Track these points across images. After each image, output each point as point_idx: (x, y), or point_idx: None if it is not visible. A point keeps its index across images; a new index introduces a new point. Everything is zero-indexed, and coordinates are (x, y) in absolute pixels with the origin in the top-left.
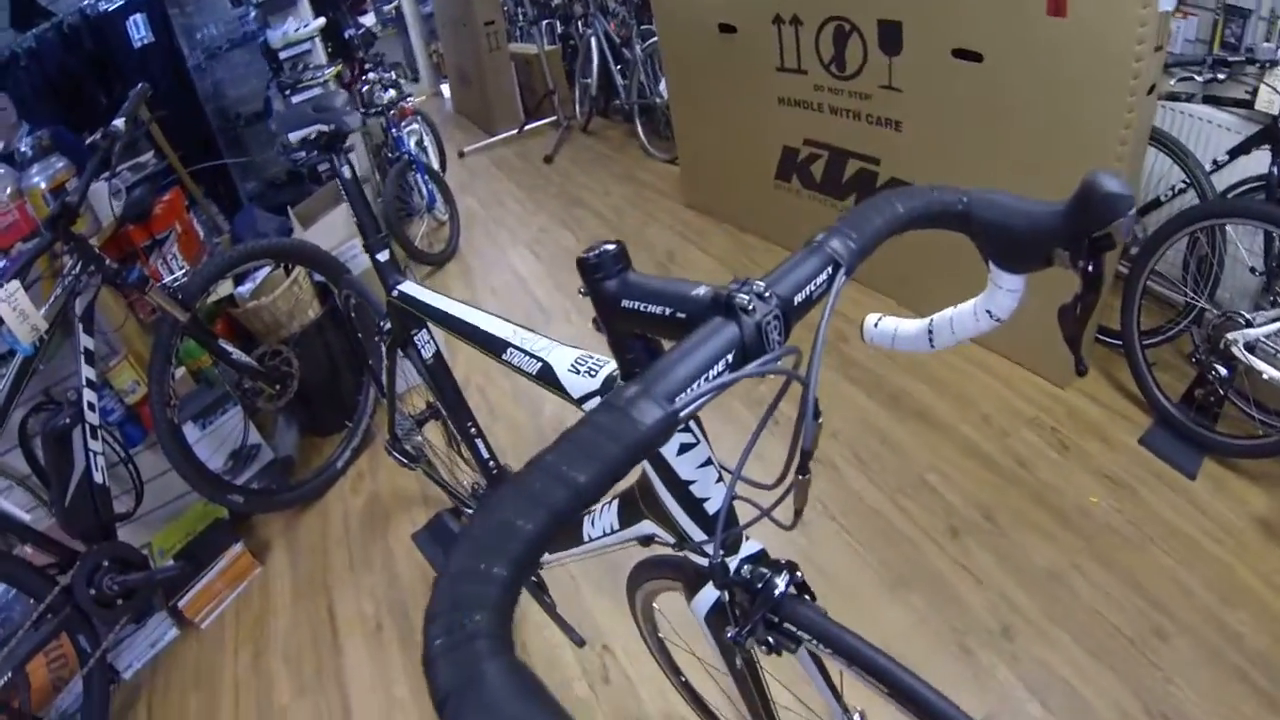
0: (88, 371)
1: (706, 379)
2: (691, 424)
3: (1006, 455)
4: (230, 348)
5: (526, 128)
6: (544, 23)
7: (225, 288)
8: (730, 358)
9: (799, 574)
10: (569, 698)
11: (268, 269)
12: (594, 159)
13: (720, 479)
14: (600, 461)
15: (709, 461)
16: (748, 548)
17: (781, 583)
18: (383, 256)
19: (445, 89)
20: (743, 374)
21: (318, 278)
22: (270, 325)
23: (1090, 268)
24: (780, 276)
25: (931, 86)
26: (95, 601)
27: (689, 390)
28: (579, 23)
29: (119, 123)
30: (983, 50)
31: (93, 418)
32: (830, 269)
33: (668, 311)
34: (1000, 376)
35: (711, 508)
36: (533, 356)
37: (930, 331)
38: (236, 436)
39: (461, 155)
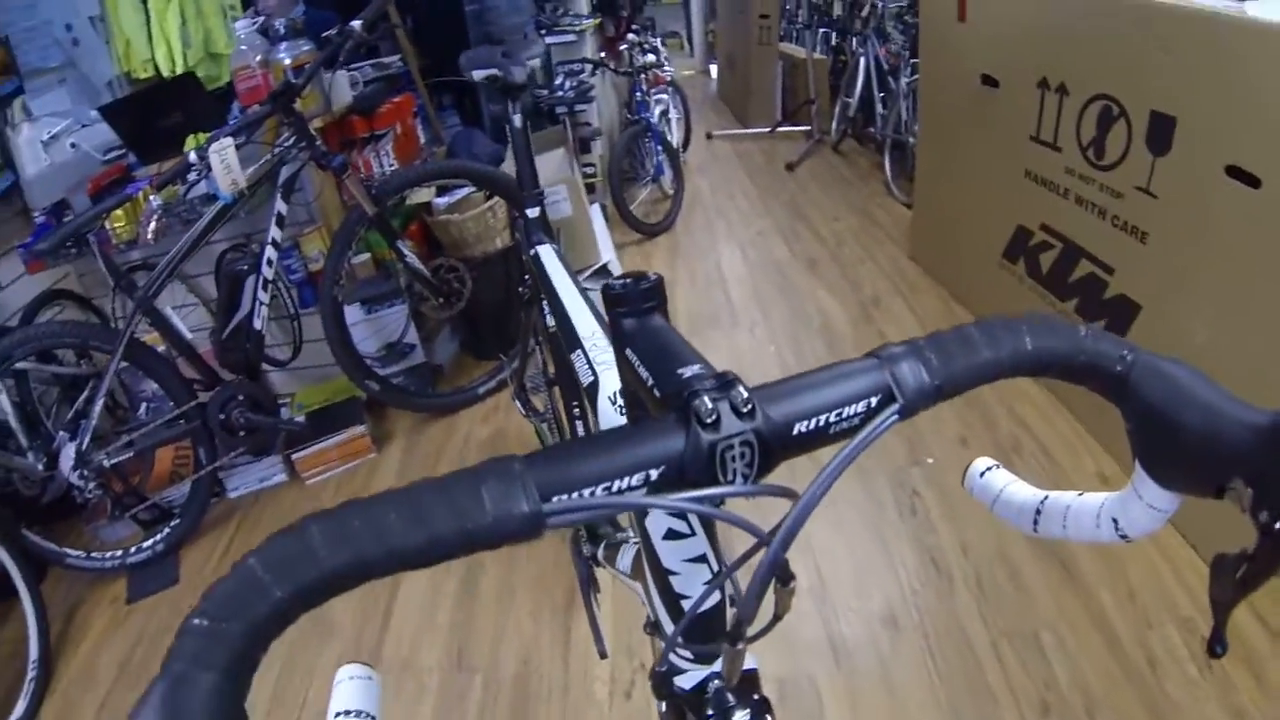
0: (275, 233)
1: (611, 490)
2: (691, 520)
3: (1138, 647)
4: (408, 251)
5: (779, 129)
6: (820, 30)
7: (427, 195)
8: (655, 475)
9: None
10: (581, 695)
11: (469, 189)
12: (834, 180)
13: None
14: (428, 534)
15: (703, 558)
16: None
17: None
18: (532, 213)
19: (714, 70)
20: (660, 503)
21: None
22: (457, 241)
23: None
24: (791, 390)
25: (1192, 202)
26: (221, 425)
27: (581, 494)
28: (854, 39)
29: (356, 24)
30: (1262, 175)
31: (267, 272)
32: (877, 400)
33: (650, 381)
34: (1167, 554)
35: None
36: (590, 367)
37: (1038, 512)
38: (396, 331)
39: (709, 137)
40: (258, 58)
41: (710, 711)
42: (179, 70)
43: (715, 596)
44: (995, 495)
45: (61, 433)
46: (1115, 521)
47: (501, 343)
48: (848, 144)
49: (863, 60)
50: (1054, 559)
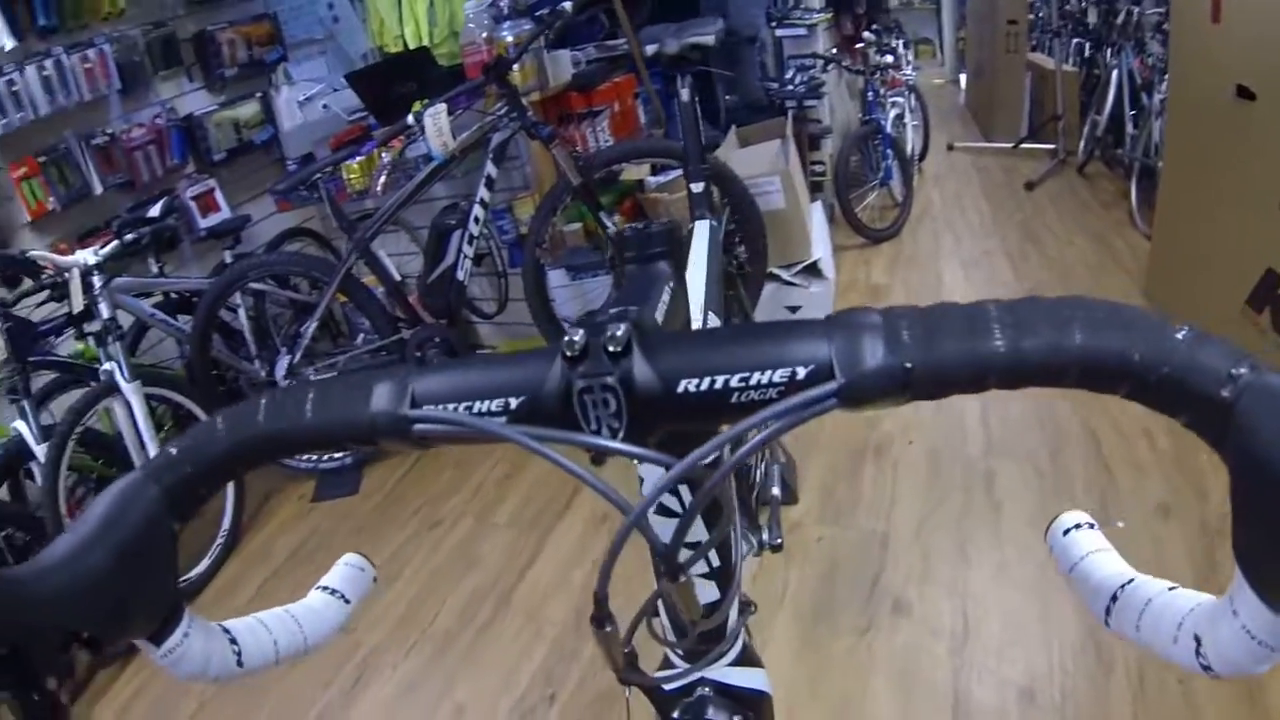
0: (483, 193)
1: (472, 410)
2: (683, 490)
3: None
4: (611, 224)
5: (1022, 145)
6: (1072, 40)
7: (640, 172)
8: (514, 404)
9: None
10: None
11: (680, 171)
12: (1075, 205)
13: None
14: (325, 416)
15: (695, 545)
16: (722, 673)
17: None
18: (696, 187)
19: (964, 79)
20: (508, 434)
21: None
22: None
23: None
24: (693, 341)
25: None
26: (416, 361)
27: (448, 409)
28: (1108, 50)
29: (566, 4)
30: None
31: (474, 228)
32: (806, 373)
33: None
34: None
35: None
36: None
37: (1114, 599)
38: (598, 300)
39: (950, 148)
40: (484, 35)
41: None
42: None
43: (714, 594)
44: (1075, 562)
45: (282, 347)
46: (1197, 641)
47: None
48: (1094, 166)
49: (1115, 73)
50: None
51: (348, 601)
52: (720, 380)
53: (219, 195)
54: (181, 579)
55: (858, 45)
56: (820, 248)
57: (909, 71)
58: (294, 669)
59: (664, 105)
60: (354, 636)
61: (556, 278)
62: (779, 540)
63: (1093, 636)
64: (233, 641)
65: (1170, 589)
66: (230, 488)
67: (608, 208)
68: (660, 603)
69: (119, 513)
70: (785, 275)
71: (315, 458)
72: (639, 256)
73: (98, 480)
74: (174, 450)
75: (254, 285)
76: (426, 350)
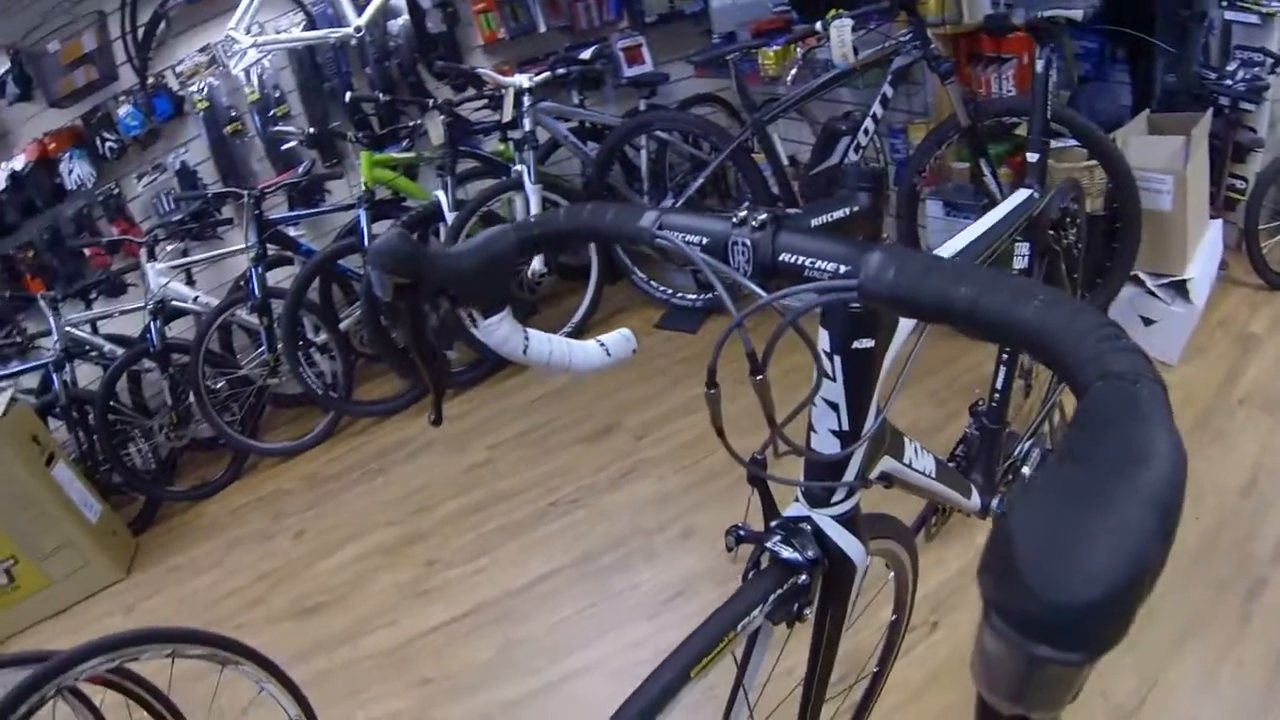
0: (876, 109)
1: (689, 240)
2: (838, 360)
3: None
4: (988, 172)
5: None
6: None
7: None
8: (705, 241)
9: (814, 578)
10: None
11: (1075, 142)
12: None
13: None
14: (615, 222)
15: (833, 406)
16: (827, 524)
17: (791, 575)
18: (1031, 157)
19: None
20: (686, 251)
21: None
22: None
23: None
24: (802, 232)
25: None
26: None
27: (676, 235)
28: None
29: None
30: None
31: (861, 138)
32: (845, 270)
33: None
34: None
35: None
36: None
37: None
38: None
39: None
40: None
41: (797, 546)
42: None
43: (835, 445)
44: None
45: (670, 191)
46: None
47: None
48: None
49: None
50: None
51: (609, 355)
52: (802, 260)
53: (645, 51)
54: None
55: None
56: (1198, 269)
57: None
58: (573, 450)
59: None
60: (640, 442)
61: (933, 209)
62: (1002, 511)
63: None
64: (526, 338)
65: None
66: (590, 293)
67: (996, 158)
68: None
69: (491, 241)
70: (1150, 284)
71: (670, 291)
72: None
73: None
74: (532, 219)
75: (659, 134)
76: None
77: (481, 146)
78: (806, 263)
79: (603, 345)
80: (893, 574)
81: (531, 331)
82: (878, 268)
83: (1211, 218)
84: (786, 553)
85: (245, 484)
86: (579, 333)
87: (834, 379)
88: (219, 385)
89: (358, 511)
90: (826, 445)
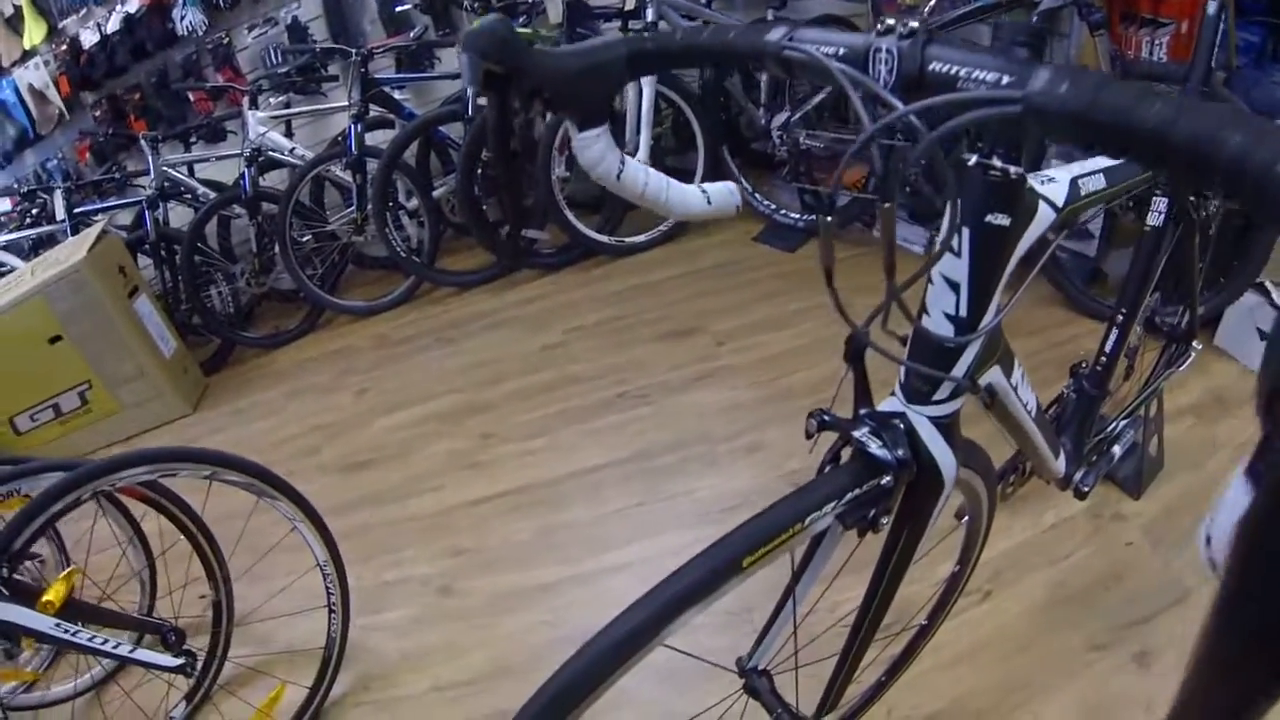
0: None
1: (823, 50)
2: (966, 234)
3: None
4: None
5: None
6: None
7: None
8: (841, 52)
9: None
10: None
11: None
12: None
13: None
14: (738, 41)
15: (953, 285)
16: (921, 425)
17: (874, 475)
18: None
19: None
20: (821, 61)
21: None
22: None
23: None
24: (956, 44)
25: None
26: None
27: (810, 46)
28: None
29: None
30: None
31: None
32: (1007, 81)
33: None
34: None
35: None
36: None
37: None
38: None
39: None
40: None
41: (886, 446)
42: None
43: (949, 332)
44: None
45: (788, 105)
46: None
47: None
48: None
49: None
50: None
51: (709, 203)
52: (954, 70)
53: None
54: (620, 239)
55: None
56: None
57: None
58: (651, 346)
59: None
60: (720, 349)
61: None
62: (1086, 489)
63: None
64: (622, 163)
65: None
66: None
67: None
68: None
69: (599, 49)
70: (1276, 295)
71: (774, 206)
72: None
73: None
74: (647, 36)
75: None
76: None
77: (600, 31)
78: (961, 72)
79: (704, 192)
80: (966, 518)
81: (629, 159)
82: (1049, 80)
83: None
84: (874, 446)
85: (318, 337)
86: (673, 235)
87: (959, 254)
88: (305, 238)
89: (423, 377)
90: (940, 329)
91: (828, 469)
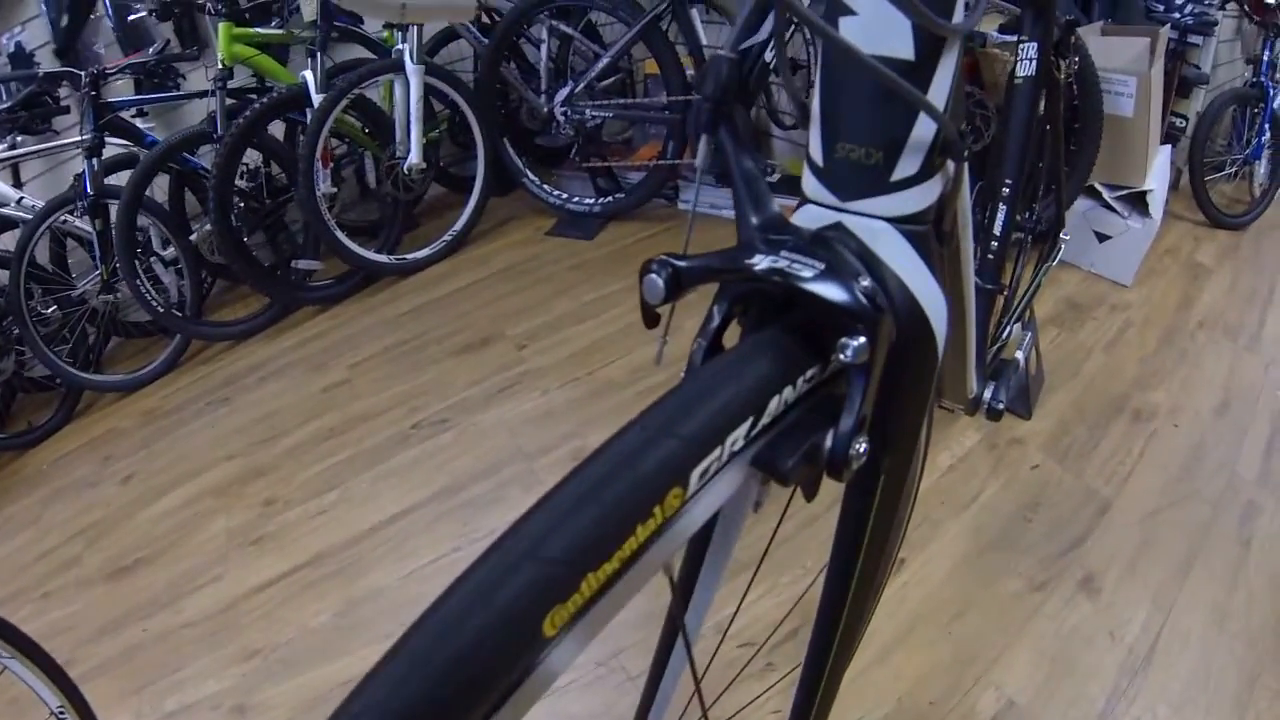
0: None
1: None
2: None
3: None
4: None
5: None
6: None
7: (992, 24)
8: None
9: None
10: None
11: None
12: None
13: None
14: None
15: None
16: (890, 236)
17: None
18: None
19: None
20: None
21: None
22: (996, 81)
23: None
24: None
25: None
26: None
27: None
28: None
29: None
30: None
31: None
32: None
33: None
34: None
35: None
36: None
37: None
38: None
39: None
40: None
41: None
42: None
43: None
44: None
45: (569, 82)
46: None
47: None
48: None
49: None
50: None
51: None
52: None
53: None
54: (401, 257)
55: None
56: (1155, 181)
57: None
58: (445, 364)
59: None
60: (522, 353)
61: None
62: (1001, 407)
63: None
64: None
65: None
66: (473, 200)
67: None
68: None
69: None
70: (1107, 195)
71: (565, 196)
72: None
73: (353, 146)
74: None
75: (562, 28)
76: None
77: (360, 25)
78: None
79: None
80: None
81: None
82: None
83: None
84: (815, 285)
85: (80, 425)
86: (460, 244)
87: None
88: (50, 309)
89: (195, 448)
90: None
91: (704, 365)
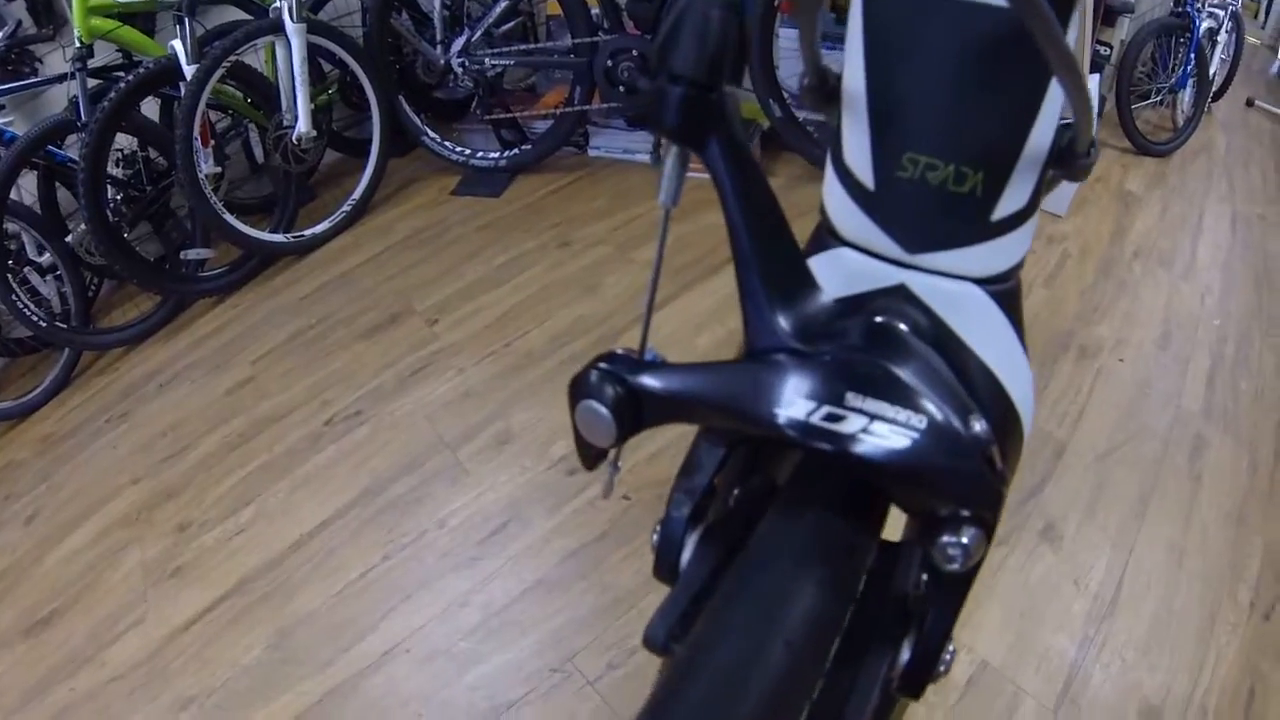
0: None
1: None
2: None
3: None
4: None
5: None
6: None
7: None
8: None
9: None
10: None
11: None
12: None
13: None
14: None
15: None
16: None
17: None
18: None
19: None
20: None
21: None
22: None
23: None
24: None
25: None
26: (605, 71)
27: None
28: None
29: None
30: None
31: None
32: None
33: None
34: None
35: None
36: None
37: None
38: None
39: (1250, 104)
40: None
41: None
42: None
43: None
44: None
45: (465, 30)
46: None
47: None
48: None
49: None
50: None
51: None
52: None
53: None
54: (299, 234)
55: None
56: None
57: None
58: (353, 349)
59: None
60: (434, 328)
61: (788, 37)
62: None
63: (1250, 677)
64: None
65: None
66: (371, 164)
67: None
68: None
69: None
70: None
71: (469, 151)
72: None
73: (236, 118)
74: None
75: None
76: (619, 61)
77: None
78: None
79: None
80: None
81: None
82: None
83: None
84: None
85: None
86: (360, 213)
87: None
88: None
89: (97, 474)
90: None
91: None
